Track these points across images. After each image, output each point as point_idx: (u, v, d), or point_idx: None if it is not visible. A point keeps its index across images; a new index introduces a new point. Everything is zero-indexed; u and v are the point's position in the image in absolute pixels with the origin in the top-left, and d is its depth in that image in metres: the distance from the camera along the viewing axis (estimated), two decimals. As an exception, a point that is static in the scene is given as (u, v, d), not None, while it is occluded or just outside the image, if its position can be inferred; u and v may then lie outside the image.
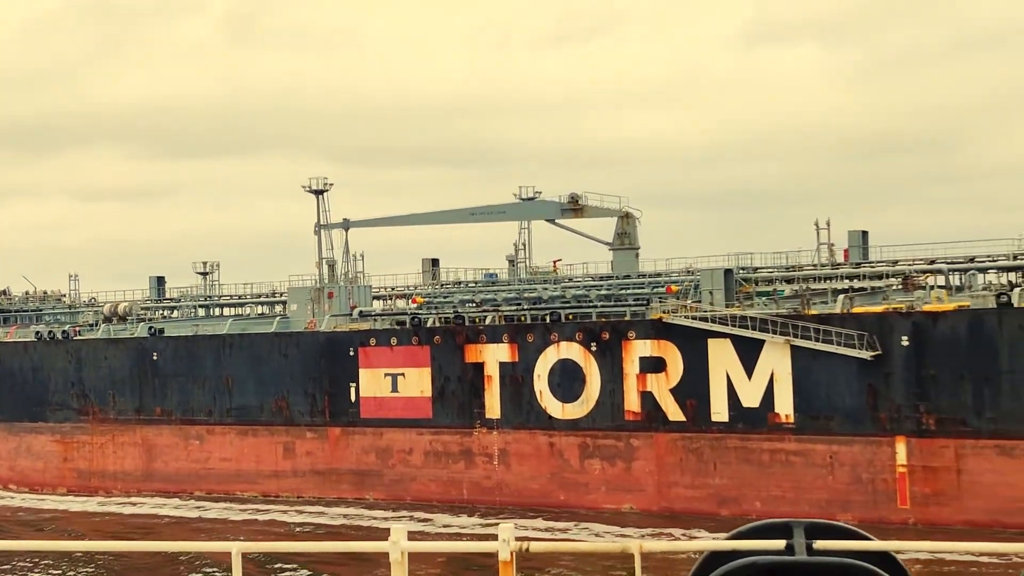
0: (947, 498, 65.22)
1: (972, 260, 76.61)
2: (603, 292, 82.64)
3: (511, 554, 10.03)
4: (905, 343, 66.40)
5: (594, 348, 75.77)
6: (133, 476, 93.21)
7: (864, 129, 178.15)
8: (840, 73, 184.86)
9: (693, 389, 72.49)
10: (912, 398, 66.19)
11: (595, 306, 79.29)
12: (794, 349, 69.23)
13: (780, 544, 9.62)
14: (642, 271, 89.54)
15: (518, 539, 10.15)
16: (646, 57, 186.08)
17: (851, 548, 9.50)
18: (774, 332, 69.67)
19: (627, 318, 76.21)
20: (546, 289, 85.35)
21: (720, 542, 9.84)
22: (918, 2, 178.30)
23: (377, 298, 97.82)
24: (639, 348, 74.42)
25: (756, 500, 70.46)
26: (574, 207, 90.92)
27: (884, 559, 9.46)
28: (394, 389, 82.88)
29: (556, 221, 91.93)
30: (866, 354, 66.82)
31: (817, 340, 68.30)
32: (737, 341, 70.97)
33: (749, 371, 70.87)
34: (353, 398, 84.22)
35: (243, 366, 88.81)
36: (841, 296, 71.85)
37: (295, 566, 62.97)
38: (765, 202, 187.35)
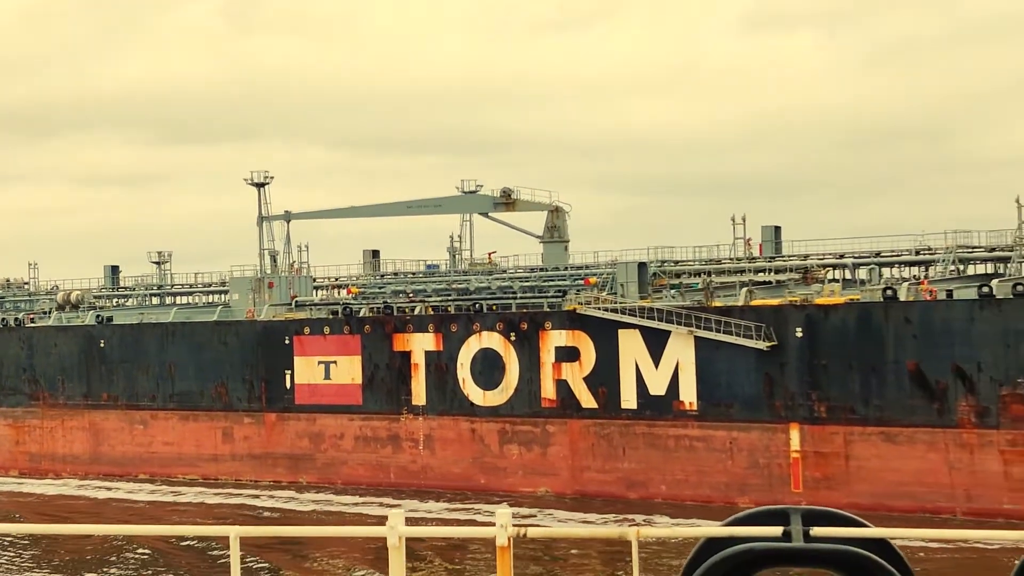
0: (836, 482, 68.95)
1: (878, 255, 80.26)
2: (527, 284, 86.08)
3: (508, 539, 10.14)
4: (799, 334, 70.05)
5: (513, 338, 79.37)
6: (81, 459, 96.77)
7: (862, 118, 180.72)
8: (839, 62, 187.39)
9: (605, 377, 76.11)
10: (805, 387, 69.88)
11: (515, 297, 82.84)
12: (697, 340, 72.85)
13: (777, 531, 9.75)
14: (571, 263, 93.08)
15: (516, 525, 10.28)
16: (645, 45, 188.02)
17: (848, 535, 9.64)
18: (679, 323, 73.27)
19: (544, 309, 79.77)
20: (473, 281, 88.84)
21: (717, 528, 9.97)
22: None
23: (319, 288, 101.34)
24: (555, 338, 78.03)
25: (662, 484, 74.18)
26: (506, 201, 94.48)
27: (881, 546, 9.60)
28: (327, 376, 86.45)
29: (489, 214, 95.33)
30: (763, 345, 70.46)
31: (718, 331, 71.93)
32: (645, 332, 74.59)
33: (656, 360, 74.51)
34: (288, 385, 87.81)
35: (185, 353, 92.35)
36: (744, 289, 75.45)
37: (222, 548, 66.31)
38: (756, 191, 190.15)
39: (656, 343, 74.44)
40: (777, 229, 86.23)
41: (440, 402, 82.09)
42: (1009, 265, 73.86)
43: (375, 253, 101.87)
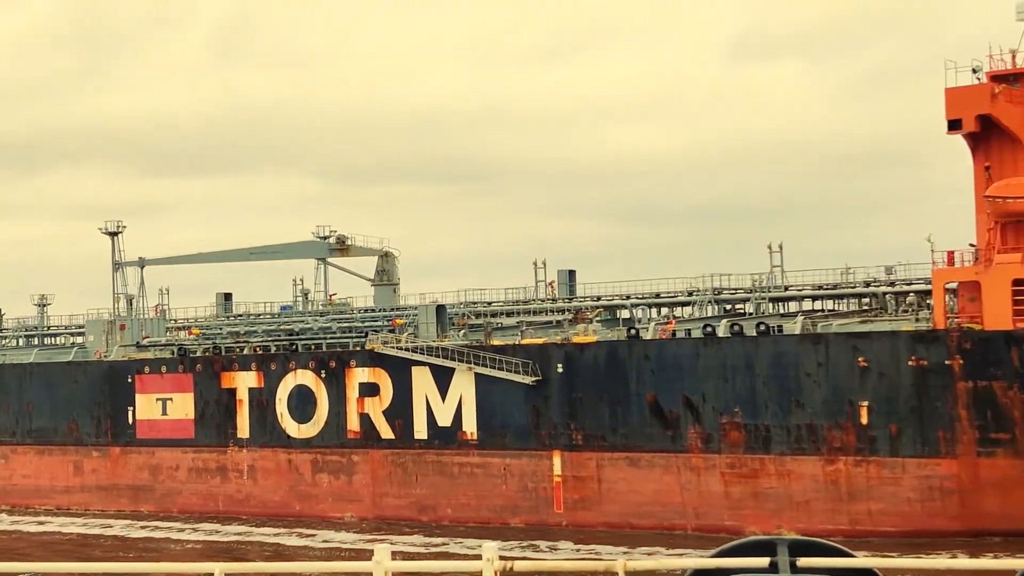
0: (591, 503, 78.14)
1: (658, 296, 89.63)
2: (345, 324, 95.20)
3: (495, 573, 10.32)
4: (560, 370, 79.34)
5: (324, 375, 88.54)
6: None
7: (844, 145, 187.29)
8: (824, 89, 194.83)
9: (400, 411, 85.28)
10: (565, 417, 79.15)
11: (324, 338, 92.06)
12: (477, 376, 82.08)
13: (764, 562, 10.01)
14: (402, 304, 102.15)
15: (502, 559, 10.44)
16: (633, 71, 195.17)
17: (834, 565, 9.86)
18: (461, 361, 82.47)
19: (350, 349, 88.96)
20: (295, 322, 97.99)
21: (705, 560, 10.21)
22: (901, 18, 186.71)
23: (177, 329, 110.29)
24: (359, 375, 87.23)
25: (448, 507, 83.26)
26: (340, 247, 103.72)
27: None
28: (164, 412, 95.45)
29: (326, 260, 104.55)
30: (529, 380, 79.76)
31: (493, 368, 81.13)
32: (435, 369, 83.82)
33: (443, 394, 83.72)
34: (130, 420, 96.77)
35: (42, 392, 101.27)
36: (525, 328, 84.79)
37: None
38: (736, 218, 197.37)
39: (443, 379, 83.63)
40: (572, 273, 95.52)
41: (261, 435, 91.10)
42: (761, 305, 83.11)
43: (228, 296, 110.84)
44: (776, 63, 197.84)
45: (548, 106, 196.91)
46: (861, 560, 10.36)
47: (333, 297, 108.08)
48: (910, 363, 68.48)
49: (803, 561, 10.28)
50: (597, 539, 75.77)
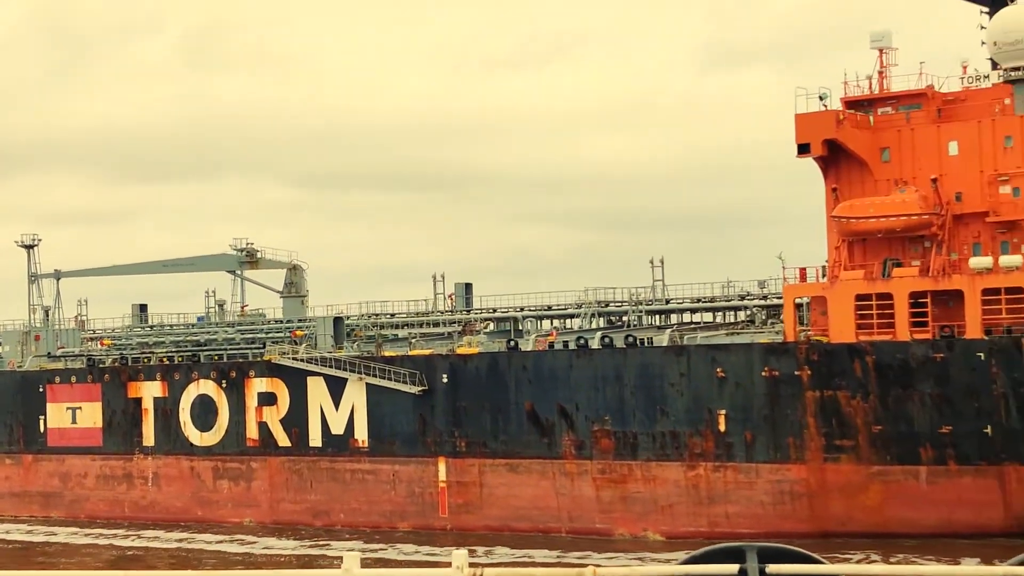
0: (474, 507, 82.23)
1: (549, 308, 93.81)
2: (249, 335, 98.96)
3: None
4: (445, 380, 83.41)
5: (224, 385, 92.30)
6: None
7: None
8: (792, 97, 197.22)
9: (296, 419, 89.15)
10: (450, 425, 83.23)
11: (226, 349, 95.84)
12: (368, 386, 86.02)
13: (733, 568, 10.12)
14: (310, 315, 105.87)
15: (472, 564, 10.55)
16: (603, 81, 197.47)
17: (804, 571, 10.01)
18: (353, 372, 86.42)
19: (249, 359, 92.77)
20: (202, 333, 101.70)
21: (674, 568, 10.29)
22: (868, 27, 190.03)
23: (91, 340, 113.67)
24: (257, 385, 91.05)
25: (341, 512, 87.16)
26: (250, 260, 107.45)
27: None
28: (73, 421, 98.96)
29: (236, 272, 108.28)
30: (416, 389, 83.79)
31: (383, 378, 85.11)
32: (328, 379, 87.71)
33: (337, 404, 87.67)
34: (42, 429, 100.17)
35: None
36: (415, 340, 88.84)
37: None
38: (709, 226, 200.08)
39: (337, 389, 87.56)
40: (468, 286, 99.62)
41: (165, 443, 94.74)
42: (632, 317, 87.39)
43: (143, 307, 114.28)
44: (746, 72, 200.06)
45: (518, 115, 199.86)
46: (830, 567, 10.50)
47: (245, 308, 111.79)
48: (763, 374, 72.92)
49: (772, 568, 10.42)
50: (479, 542, 79.83)
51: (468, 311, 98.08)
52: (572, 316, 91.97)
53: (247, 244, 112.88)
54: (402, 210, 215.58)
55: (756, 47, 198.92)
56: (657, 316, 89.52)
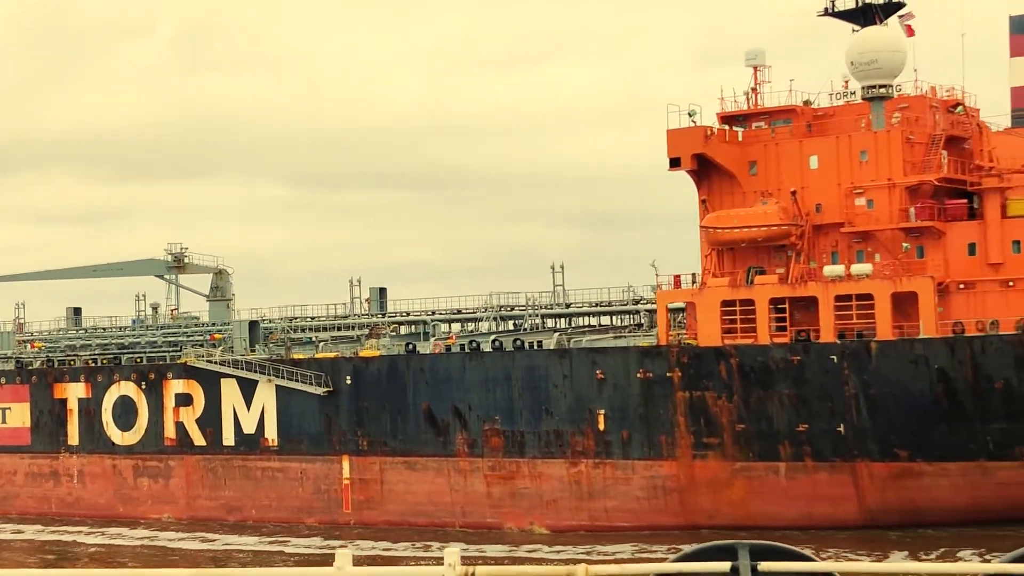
0: (375, 503, 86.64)
1: (459, 312, 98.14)
2: (171, 339, 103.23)
3: None
4: (349, 382, 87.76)
5: (144, 386, 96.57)
6: None
7: None
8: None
9: (211, 419, 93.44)
10: (353, 425, 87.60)
11: (145, 351, 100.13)
12: (278, 387, 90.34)
13: (725, 566, 10.41)
14: (236, 318, 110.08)
15: (464, 562, 10.80)
16: (596, 81, 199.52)
17: (795, 569, 10.30)
18: (264, 374, 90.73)
19: (167, 362, 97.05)
20: (126, 336, 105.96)
21: (666, 565, 10.55)
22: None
23: (25, 342, 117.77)
24: (175, 386, 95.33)
25: (253, 509, 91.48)
26: (178, 265, 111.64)
27: None
28: (3, 421, 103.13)
29: (164, 276, 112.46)
30: (321, 391, 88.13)
31: (291, 380, 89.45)
32: (241, 381, 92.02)
33: (248, 404, 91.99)
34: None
35: None
36: (322, 343, 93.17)
37: None
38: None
39: (248, 390, 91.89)
40: (383, 290, 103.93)
41: (89, 442, 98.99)
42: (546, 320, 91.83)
43: (77, 310, 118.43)
44: (739, 72, 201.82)
45: (511, 115, 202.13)
46: (821, 564, 10.67)
47: (174, 311, 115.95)
48: (638, 375, 77.40)
49: (764, 565, 10.60)
50: (380, 536, 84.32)
51: (383, 315, 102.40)
52: (479, 320, 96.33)
53: (182, 248, 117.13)
54: (398, 209, 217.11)
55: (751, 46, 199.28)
56: (558, 320, 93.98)
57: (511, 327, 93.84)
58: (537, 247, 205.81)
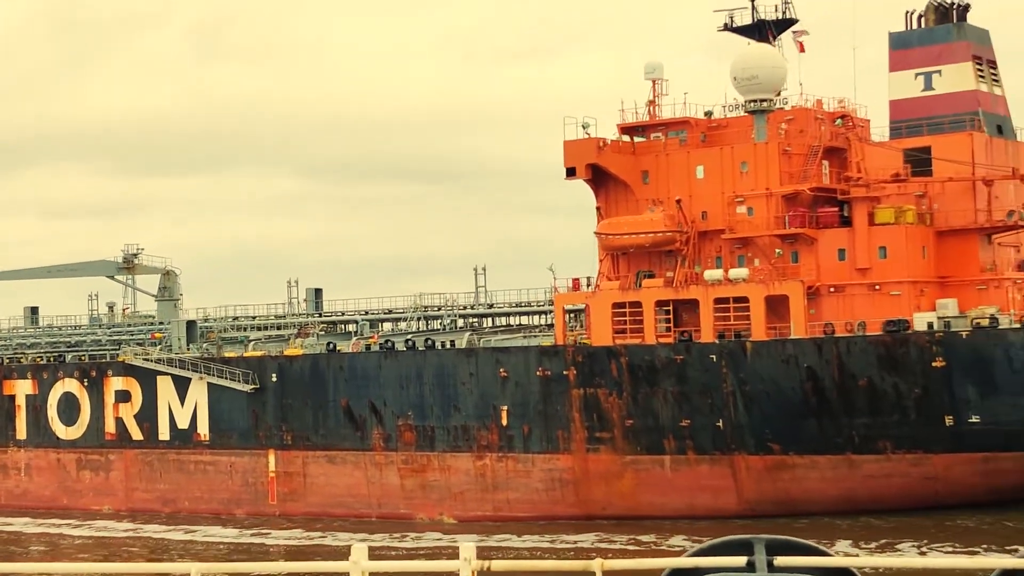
0: (298, 495, 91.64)
1: (389, 312, 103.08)
2: (115, 337, 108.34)
3: (473, 573, 10.84)
4: (274, 379, 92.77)
5: (86, 383, 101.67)
6: None
7: None
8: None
9: (148, 415, 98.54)
10: (278, 420, 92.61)
11: (91, 349, 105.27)
12: (209, 384, 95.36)
13: (741, 561, 10.62)
14: (183, 317, 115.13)
15: (479, 558, 10.91)
16: (610, 72, 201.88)
17: (811, 564, 10.42)
18: (196, 371, 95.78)
19: (108, 360, 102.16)
20: (73, 334, 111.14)
21: (682, 559, 10.74)
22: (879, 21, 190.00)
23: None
24: (115, 383, 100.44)
25: (186, 500, 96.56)
26: (128, 266, 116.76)
27: (845, 574, 10.39)
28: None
29: (115, 277, 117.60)
30: (249, 387, 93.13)
31: (221, 377, 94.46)
32: (175, 378, 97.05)
33: (183, 400, 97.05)
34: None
35: None
36: (251, 342, 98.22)
37: None
38: None
39: (182, 387, 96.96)
40: (319, 291, 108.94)
41: (36, 436, 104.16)
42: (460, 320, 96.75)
43: (34, 309, 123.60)
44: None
45: (526, 106, 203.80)
46: (838, 559, 10.74)
47: (126, 311, 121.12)
48: (538, 373, 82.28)
49: (780, 560, 10.70)
50: (303, 526, 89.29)
51: (319, 315, 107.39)
52: (406, 319, 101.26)
53: (138, 249, 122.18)
54: (411, 201, 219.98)
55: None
56: (483, 320, 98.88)
57: (437, 327, 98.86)
58: (550, 238, 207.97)
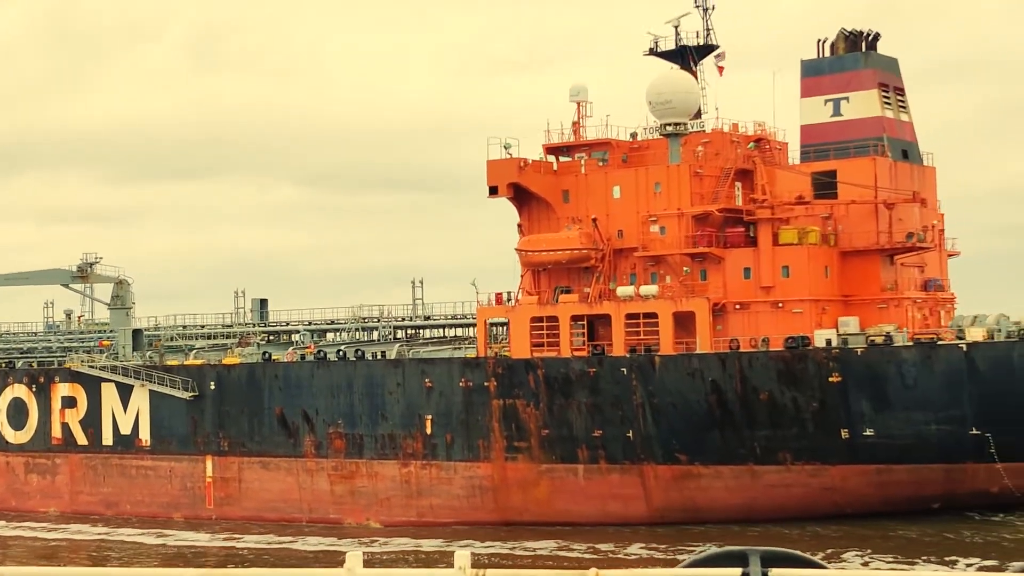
0: (234, 500, 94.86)
1: (332, 323, 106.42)
2: (65, 344, 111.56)
3: None
4: (213, 387, 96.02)
5: (34, 389, 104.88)
6: None
7: None
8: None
9: (93, 420, 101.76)
10: (216, 427, 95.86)
11: (41, 356, 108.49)
12: (151, 391, 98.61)
13: (736, 572, 10.56)
14: (136, 326, 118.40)
15: (474, 565, 11.08)
16: (608, 83, 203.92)
17: None
18: (138, 378, 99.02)
19: (55, 366, 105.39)
20: (24, 341, 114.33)
21: (677, 570, 10.88)
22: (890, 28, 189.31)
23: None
24: (62, 389, 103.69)
25: (128, 504, 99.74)
26: (82, 275, 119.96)
27: None
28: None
29: (70, 286, 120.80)
30: (188, 395, 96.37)
31: (162, 384, 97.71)
32: (119, 385, 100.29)
33: (125, 407, 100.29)
34: None
35: None
36: (196, 351, 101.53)
37: None
38: None
39: (125, 393, 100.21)
40: (264, 301, 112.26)
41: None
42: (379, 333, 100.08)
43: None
44: (751, 72, 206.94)
45: (521, 117, 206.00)
46: (833, 572, 10.90)
47: (81, 318, 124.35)
48: (461, 384, 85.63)
49: (775, 572, 10.72)
50: (238, 530, 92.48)
51: (264, 324, 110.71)
52: (345, 330, 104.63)
53: (96, 258, 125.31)
54: (407, 211, 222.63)
55: (758, 50, 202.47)
56: (420, 331, 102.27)
57: (375, 338, 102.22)
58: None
